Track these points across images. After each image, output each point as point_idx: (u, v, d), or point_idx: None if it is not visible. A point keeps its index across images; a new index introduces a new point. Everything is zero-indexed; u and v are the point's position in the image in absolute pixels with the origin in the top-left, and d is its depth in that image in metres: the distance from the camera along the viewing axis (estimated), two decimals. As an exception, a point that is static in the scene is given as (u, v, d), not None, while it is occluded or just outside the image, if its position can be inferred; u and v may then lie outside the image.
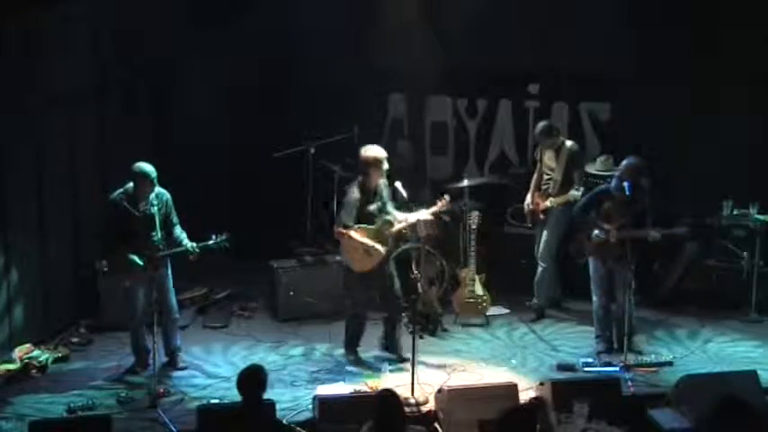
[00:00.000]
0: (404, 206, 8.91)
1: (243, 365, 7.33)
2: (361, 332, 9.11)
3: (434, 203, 9.07)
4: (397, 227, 8.84)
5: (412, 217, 8.95)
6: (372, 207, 8.79)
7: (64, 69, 9.43)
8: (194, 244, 8.56)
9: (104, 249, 8.78)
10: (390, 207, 8.90)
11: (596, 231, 8.86)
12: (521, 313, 10.20)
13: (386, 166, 8.76)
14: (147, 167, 8.48)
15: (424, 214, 9.00)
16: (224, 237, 8.55)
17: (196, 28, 10.78)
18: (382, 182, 8.85)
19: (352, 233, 8.68)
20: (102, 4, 9.87)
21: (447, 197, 9.06)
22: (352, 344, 9.09)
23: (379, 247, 8.69)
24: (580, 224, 9.10)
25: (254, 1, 10.92)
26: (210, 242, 8.57)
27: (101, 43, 9.96)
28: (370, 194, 8.79)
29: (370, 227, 8.75)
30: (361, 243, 8.69)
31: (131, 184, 8.53)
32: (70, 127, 9.63)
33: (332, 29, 10.81)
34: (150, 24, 10.56)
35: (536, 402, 6.86)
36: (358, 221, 8.73)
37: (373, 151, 8.78)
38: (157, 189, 8.57)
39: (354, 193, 8.75)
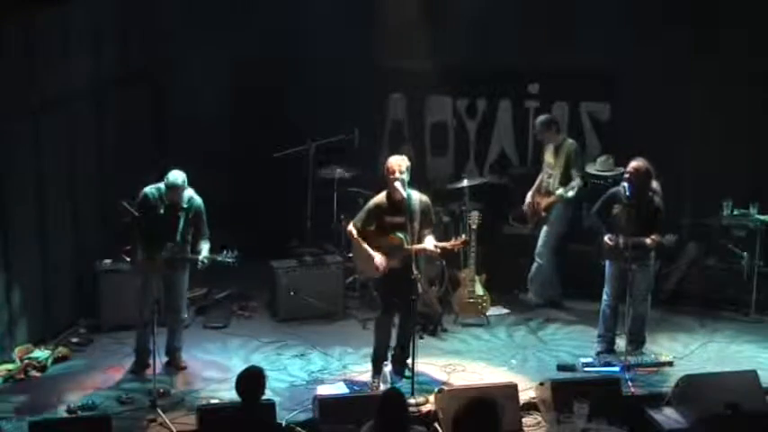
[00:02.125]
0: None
1: (243, 365, 7.35)
2: (386, 345, 8.63)
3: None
4: (408, 247, 8.26)
5: (426, 244, 8.47)
6: (396, 219, 8.33)
7: (64, 69, 9.43)
8: (206, 255, 8.55)
9: (127, 242, 8.80)
10: (417, 224, 8.27)
11: (607, 236, 8.85)
12: (521, 313, 10.20)
13: (401, 175, 8.23)
14: (176, 179, 8.46)
15: (432, 246, 8.42)
16: (234, 254, 8.53)
17: (196, 28, 10.77)
18: (417, 197, 8.36)
19: (355, 234, 8.45)
20: (103, 3, 9.88)
21: (465, 237, 8.84)
22: (376, 359, 8.62)
23: (376, 255, 8.32)
24: (596, 228, 9.08)
25: (255, 1, 10.93)
26: (219, 257, 8.56)
27: (101, 43, 9.96)
28: (394, 205, 8.36)
29: (382, 237, 8.39)
30: (362, 248, 8.43)
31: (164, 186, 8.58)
32: (70, 127, 9.62)
33: (332, 29, 10.80)
34: (150, 24, 10.57)
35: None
36: (380, 230, 8.39)
37: (388, 161, 8.37)
38: (190, 194, 8.60)
39: (377, 198, 8.46)
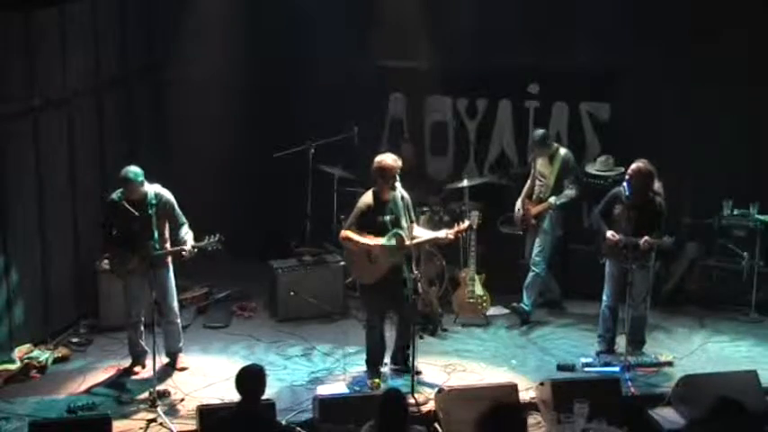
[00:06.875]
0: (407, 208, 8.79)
1: (243, 365, 7.33)
2: (380, 348, 8.74)
3: (454, 220, 9.08)
4: (409, 243, 8.36)
5: (429, 234, 8.69)
6: (386, 218, 8.40)
7: (64, 69, 9.43)
8: (192, 244, 8.52)
9: (104, 248, 8.87)
10: (405, 221, 8.42)
11: (609, 232, 8.85)
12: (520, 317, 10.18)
13: (395, 175, 8.39)
14: (129, 173, 8.42)
15: (444, 234, 8.63)
16: (216, 238, 8.46)
17: (196, 27, 10.77)
18: (399, 194, 8.46)
19: (352, 234, 8.37)
20: (102, 3, 9.88)
21: (468, 222, 8.89)
22: (372, 362, 8.70)
23: (380, 243, 8.32)
24: (597, 227, 9.08)
25: (255, 0, 10.93)
26: (202, 243, 8.51)
27: (101, 43, 9.96)
28: (383, 204, 8.43)
29: (378, 238, 8.37)
30: (361, 244, 8.36)
31: None
32: (70, 127, 9.62)
33: (332, 29, 10.81)
34: (150, 23, 10.57)
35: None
36: (370, 231, 8.39)
37: (381, 160, 8.45)
38: (157, 190, 8.56)
39: (365, 199, 8.47)
